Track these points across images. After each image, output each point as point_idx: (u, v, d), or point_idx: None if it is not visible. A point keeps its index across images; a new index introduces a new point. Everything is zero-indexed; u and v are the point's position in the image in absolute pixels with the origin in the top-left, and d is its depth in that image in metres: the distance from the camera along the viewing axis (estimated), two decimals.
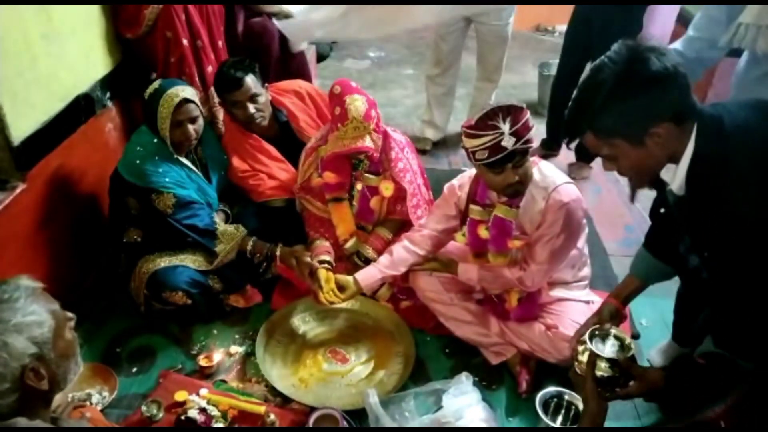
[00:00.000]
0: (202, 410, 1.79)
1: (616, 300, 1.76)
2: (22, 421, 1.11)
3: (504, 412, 1.97)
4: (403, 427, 1.80)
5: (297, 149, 2.44)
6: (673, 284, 1.82)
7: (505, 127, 1.71)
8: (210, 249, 2.24)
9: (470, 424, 1.75)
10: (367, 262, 2.24)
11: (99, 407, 1.87)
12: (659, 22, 3.92)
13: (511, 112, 1.73)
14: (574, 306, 2.06)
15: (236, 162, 2.48)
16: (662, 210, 1.60)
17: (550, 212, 1.87)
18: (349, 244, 2.33)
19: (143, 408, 1.83)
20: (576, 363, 1.54)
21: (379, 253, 2.24)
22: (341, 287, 2.09)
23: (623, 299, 1.77)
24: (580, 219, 1.94)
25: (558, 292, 2.09)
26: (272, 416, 1.82)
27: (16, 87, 2.00)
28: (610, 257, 2.71)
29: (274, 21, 2.99)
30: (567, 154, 3.47)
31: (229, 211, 2.48)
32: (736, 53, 2.23)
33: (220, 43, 2.72)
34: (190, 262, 2.25)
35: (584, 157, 3.37)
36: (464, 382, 1.87)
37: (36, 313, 1.15)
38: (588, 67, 1.37)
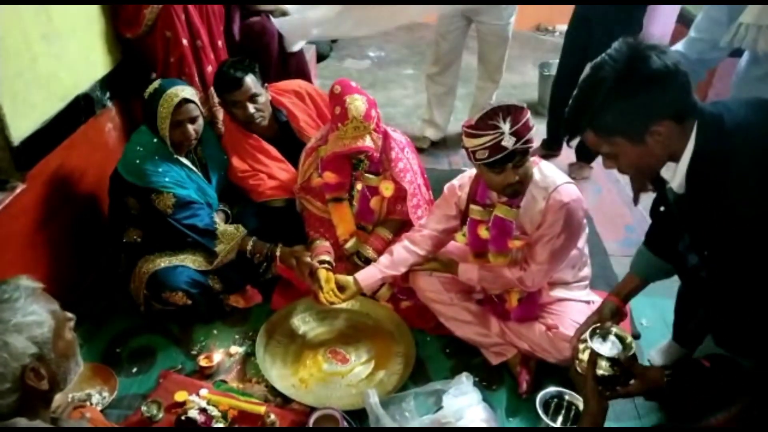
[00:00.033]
0: (202, 410, 1.79)
1: (617, 298, 1.76)
2: (22, 422, 1.11)
3: (504, 412, 1.97)
4: (403, 427, 1.80)
5: (297, 149, 2.44)
6: (674, 284, 1.82)
7: (506, 127, 1.71)
8: (210, 249, 2.24)
9: (470, 425, 1.75)
10: (368, 262, 2.24)
11: (99, 407, 1.87)
12: (659, 22, 3.93)
13: (511, 112, 1.73)
14: (575, 306, 2.06)
15: (236, 162, 2.48)
16: (662, 208, 1.60)
17: (550, 212, 1.87)
18: (349, 244, 2.33)
19: (143, 408, 1.83)
20: (577, 361, 1.54)
21: (379, 253, 2.24)
22: (341, 287, 2.09)
23: (623, 297, 1.77)
24: (581, 219, 1.94)
25: (558, 292, 2.09)
26: (272, 416, 1.82)
27: (16, 87, 2.00)
28: (610, 257, 2.71)
29: (271, 19, 2.99)
30: (567, 154, 3.47)
31: (229, 211, 2.48)
32: (736, 53, 2.23)
33: (219, 42, 2.72)
34: (190, 262, 2.25)
35: (584, 157, 3.37)
36: (464, 382, 1.87)
37: (36, 313, 1.15)
38: (588, 66, 1.37)
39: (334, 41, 5.24)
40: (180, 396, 1.85)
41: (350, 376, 2.08)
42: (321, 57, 4.76)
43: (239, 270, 2.32)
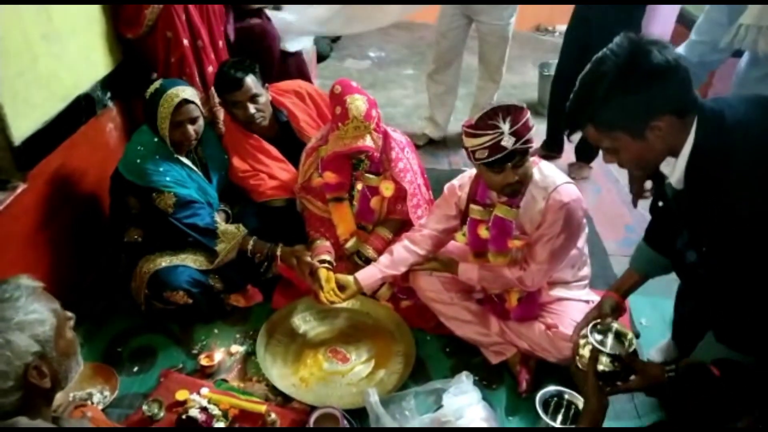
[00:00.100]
0: (203, 409, 1.79)
1: (616, 294, 1.76)
2: (23, 421, 1.12)
3: (504, 411, 1.97)
4: (403, 426, 1.81)
5: (297, 149, 2.44)
6: (673, 283, 1.83)
7: (505, 127, 1.72)
8: (211, 248, 2.24)
9: (470, 424, 1.76)
10: (368, 261, 2.25)
11: (100, 406, 1.88)
12: (659, 23, 3.93)
13: (511, 111, 1.73)
14: (574, 305, 2.06)
15: (237, 162, 2.48)
16: (660, 203, 1.60)
17: (550, 212, 1.88)
18: (350, 243, 2.34)
19: (144, 407, 1.84)
20: (577, 357, 1.54)
21: (380, 252, 2.25)
22: (342, 287, 2.09)
23: (623, 293, 1.77)
24: (580, 219, 1.94)
25: (558, 292, 2.09)
26: (273, 415, 1.83)
27: (17, 87, 2.00)
28: (610, 257, 2.71)
29: (267, 13, 3.00)
30: (567, 155, 3.48)
31: (229, 211, 2.49)
32: (737, 54, 2.23)
33: (220, 43, 2.72)
34: (191, 261, 2.25)
35: (584, 157, 3.37)
36: (464, 381, 1.88)
37: (38, 312, 1.15)
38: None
39: (334, 41, 5.25)
40: (181, 395, 1.86)
41: (350, 375, 2.09)
42: (321, 57, 4.76)
43: (240, 269, 2.32)
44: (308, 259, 2.18)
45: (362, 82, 3.75)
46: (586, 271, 2.16)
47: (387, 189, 2.30)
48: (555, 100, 3.34)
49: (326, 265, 2.19)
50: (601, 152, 1.42)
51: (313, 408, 1.86)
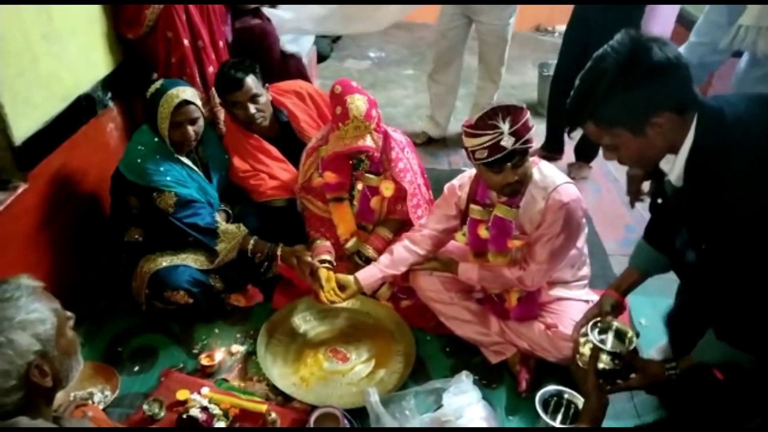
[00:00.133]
0: (204, 409, 1.80)
1: (616, 292, 1.76)
2: (23, 421, 1.12)
3: (504, 410, 1.97)
4: (403, 426, 1.81)
5: (298, 149, 2.44)
6: (673, 284, 1.83)
7: (505, 127, 1.72)
8: (211, 248, 2.24)
9: (470, 423, 1.76)
10: (368, 261, 2.25)
11: (101, 406, 1.88)
12: (659, 23, 3.93)
13: (510, 112, 1.73)
14: (574, 305, 2.06)
15: (237, 162, 2.48)
16: (659, 201, 1.60)
17: (549, 212, 1.88)
18: (350, 243, 2.34)
19: (145, 407, 1.84)
20: (577, 355, 1.54)
21: (380, 252, 2.25)
22: (342, 286, 2.09)
23: (623, 291, 1.77)
24: (580, 219, 1.94)
25: (558, 292, 2.10)
26: (273, 415, 1.83)
27: (17, 87, 2.00)
28: (610, 257, 2.72)
29: (263, 10, 3.00)
30: (567, 155, 3.48)
31: (230, 211, 2.49)
32: (736, 54, 2.24)
33: (221, 43, 2.72)
34: (192, 261, 2.26)
35: (584, 156, 3.38)
36: (464, 380, 1.88)
37: (39, 311, 1.16)
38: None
39: (334, 41, 5.25)
40: (181, 394, 1.86)
41: (351, 375, 2.09)
42: (321, 57, 4.77)
43: (240, 269, 2.32)
44: (308, 258, 2.18)
45: (362, 82, 3.74)
46: (585, 270, 2.17)
47: (387, 189, 2.30)
48: (554, 100, 3.35)
49: (326, 264, 2.19)
50: (601, 150, 1.43)
51: (313, 407, 1.86)
